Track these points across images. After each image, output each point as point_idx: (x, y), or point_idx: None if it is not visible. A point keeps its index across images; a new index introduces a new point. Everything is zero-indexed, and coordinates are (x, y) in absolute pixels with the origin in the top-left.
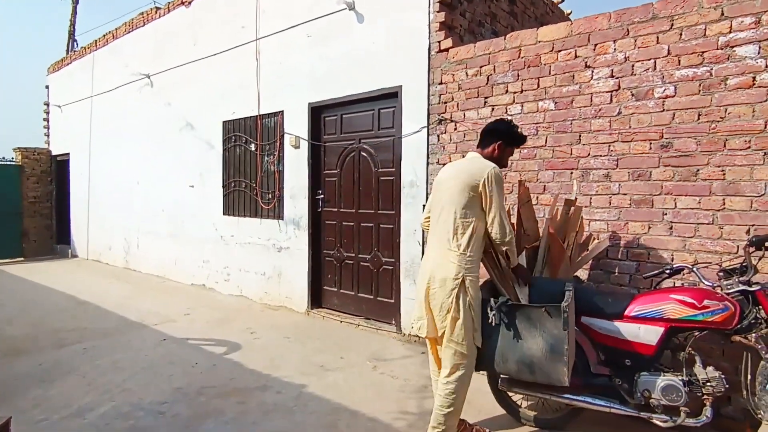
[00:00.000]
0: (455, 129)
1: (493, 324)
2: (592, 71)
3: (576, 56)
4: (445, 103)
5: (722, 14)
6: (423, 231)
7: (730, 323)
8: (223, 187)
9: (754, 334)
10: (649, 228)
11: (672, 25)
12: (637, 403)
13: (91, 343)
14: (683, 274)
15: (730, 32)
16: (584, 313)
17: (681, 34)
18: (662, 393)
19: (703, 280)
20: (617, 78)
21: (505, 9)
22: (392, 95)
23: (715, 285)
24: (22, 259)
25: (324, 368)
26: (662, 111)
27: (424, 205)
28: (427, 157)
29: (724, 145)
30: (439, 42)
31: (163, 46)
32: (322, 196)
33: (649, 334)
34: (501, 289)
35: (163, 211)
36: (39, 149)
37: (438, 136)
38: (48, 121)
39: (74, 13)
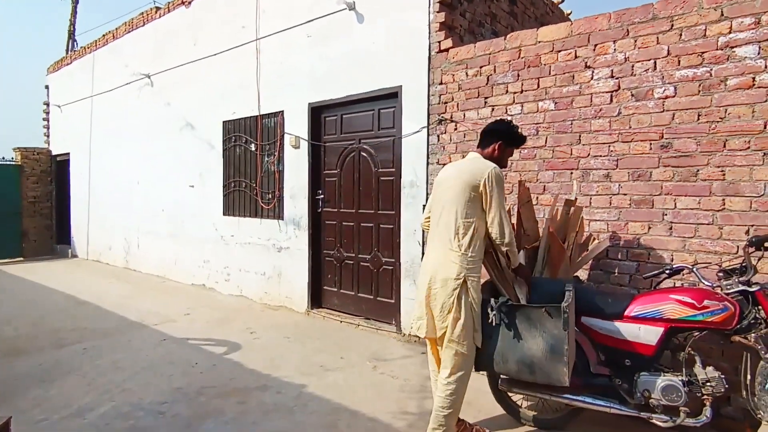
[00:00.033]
0: (455, 129)
1: (494, 324)
2: (592, 71)
3: (576, 56)
4: (445, 103)
5: (722, 15)
6: (423, 231)
7: (730, 323)
8: (223, 187)
9: (753, 335)
10: (649, 228)
11: (672, 25)
12: (637, 403)
13: (91, 343)
14: (683, 275)
15: (729, 33)
16: (584, 313)
17: (681, 35)
18: (662, 393)
19: (703, 281)
20: (617, 78)
21: (505, 9)
22: (392, 95)
23: (714, 285)
24: (21, 259)
25: (324, 368)
26: (662, 111)
27: (424, 206)
28: (427, 157)
29: (724, 146)
30: (439, 42)
31: (163, 46)
32: (322, 196)
33: (648, 335)
34: (501, 290)
35: (163, 211)
36: (39, 149)
37: (438, 136)
38: (48, 121)
39: (74, 12)
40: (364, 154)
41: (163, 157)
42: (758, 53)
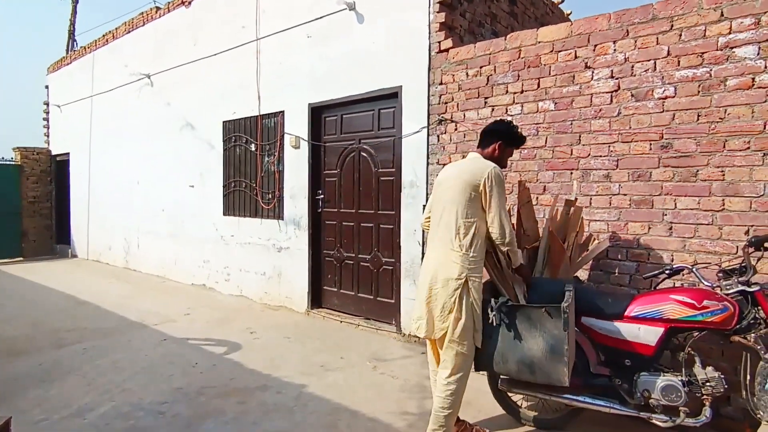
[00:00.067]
0: (455, 129)
1: (494, 324)
2: (592, 72)
3: (576, 57)
4: (446, 103)
5: (722, 15)
6: (423, 231)
7: (730, 323)
8: (223, 187)
9: (753, 335)
10: (649, 228)
11: (672, 26)
12: (636, 403)
13: (91, 343)
14: (683, 275)
15: (729, 33)
16: (584, 313)
17: (681, 35)
18: (662, 393)
19: (703, 281)
20: (617, 79)
21: (505, 9)
22: (392, 95)
23: (714, 285)
24: (21, 259)
25: (324, 368)
26: (662, 112)
27: (424, 206)
28: (427, 158)
29: (724, 146)
30: (439, 42)
31: (163, 46)
32: (322, 196)
33: (648, 335)
34: (501, 290)
35: (164, 211)
36: (38, 149)
37: (438, 136)
38: (48, 121)
39: (74, 12)
40: (364, 154)
41: (163, 157)
42: (758, 54)
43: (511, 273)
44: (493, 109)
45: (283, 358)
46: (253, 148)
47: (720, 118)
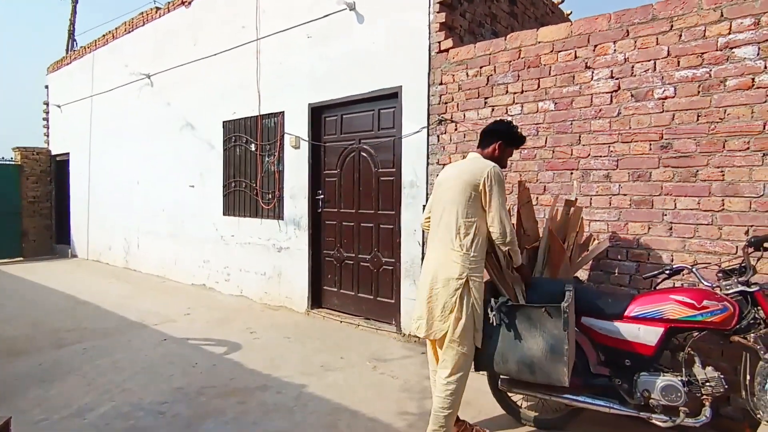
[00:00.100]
0: (455, 129)
1: (494, 324)
2: (592, 72)
3: (576, 57)
4: (446, 103)
5: (722, 15)
6: (423, 231)
7: (729, 324)
8: (223, 187)
9: (752, 335)
10: (649, 228)
11: (671, 26)
12: (636, 403)
13: (91, 343)
14: (683, 275)
15: (729, 33)
16: (584, 313)
17: (680, 36)
18: (662, 393)
19: (703, 281)
20: (617, 79)
21: (506, 10)
22: (392, 95)
23: (714, 285)
24: (21, 259)
25: (324, 368)
26: (662, 112)
27: (424, 206)
28: (427, 158)
29: (724, 146)
30: (439, 42)
31: (163, 46)
32: (322, 196)
33: (648, 335)
34: (501, 290)
35: (164, 211)
36: (38, 149)
37: (438, 136)
38: (47, 121)
39: (74, 12)
40: (364, 154)
41: (163, 157)
42: (758, 54)
43: (510, 273)
44: (493, 109)
45: (283, 358)
46: (253, 148)
47: (720, 119)
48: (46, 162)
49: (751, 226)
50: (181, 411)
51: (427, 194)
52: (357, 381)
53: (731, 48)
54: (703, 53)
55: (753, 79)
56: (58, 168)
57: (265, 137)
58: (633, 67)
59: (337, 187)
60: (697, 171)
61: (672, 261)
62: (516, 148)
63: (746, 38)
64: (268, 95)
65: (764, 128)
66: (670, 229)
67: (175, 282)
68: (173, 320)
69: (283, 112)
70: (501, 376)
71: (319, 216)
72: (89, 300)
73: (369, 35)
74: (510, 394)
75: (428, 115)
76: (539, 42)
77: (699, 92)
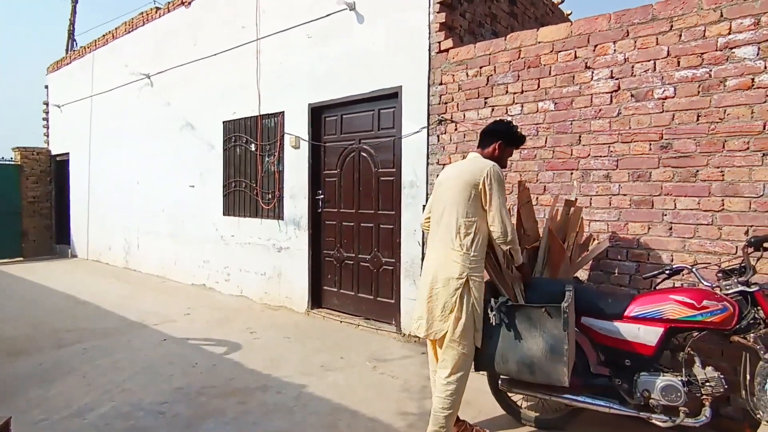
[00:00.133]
0: (455, 129)
1: (494, 324)
2: (592, 72)
3: (576, 57)
4: (446, 103)
5: (721, 15)
6: (423, 231)
7: (729, 324)
8: (223, 187)
9: (752, 335)
10: (649, 228)
11: (671, 26)
12: (636, 403)
13: (91, 343)
14: (683, 275)
15: (729, 33)
16: (584, 313)
17: (680, 36)
18: (662, 393)
19: (702, 281)
20: (617, 79)
21: (505, 10)
22: (392, 95)
23: (714, 285)
24: (21, 259)
25: (324, 368)
26: (662, 112)
27: (424, 206)
28: (427, 158)
29: (723, 146)
30: (439, 42)
31: (163, 46)
32: (322, 196)
33: (648, 335)
34: (501, 290)
35: (164, 211)
36: (38, 149)
37: (438, 136)
38: (47, 121)
39: (74, 12)
40: (364, 155)
41: (163, 157)
42: (757, 54)
43: (510, 273)
44: (493, 110)
45: (283, 358)
46: (253, 148)
47: (720, 119)
48: (46, 162)
49: (751, 226)
50: (181, 411)
51: (427, 194)
52: (357, 381)
53: (731, 48)
54: (703, 53)
55: (753, 79)
56: (58, 168)
57: (265, 137)
58: (633, 67)
59: (337, 187)
60: (697, 171)
61: (672, 261)
62: (516, 147)
63: (746, 38)
64: (268, 95)
65: (764, 128)
66: (670, 229)
67: (175, 282)
68: (173, 320)
69: (283, 112)
70: (501, 376)
71: (319, 216)
72: (89, 300)
73: (369, 35)
74: (510, 394)
75: (428, 115)
76: (539, 42)
77: (699, 92)
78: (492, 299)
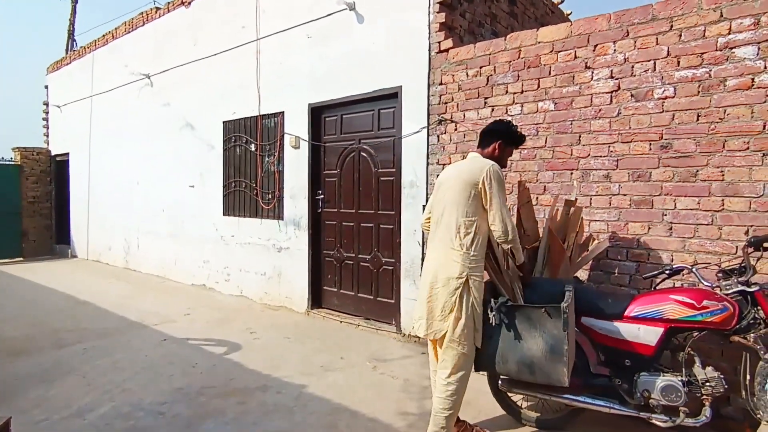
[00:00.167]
0: (455, 129)
1: (494, 324)
2: (592, 72)
3: (576, 57)
4: (446, 103)
5: (721, 15)
6: (423, 232)
7: (729, 324)
8: (223, 187)
9: (752, 335)
10: (649, 228)
11: (671, 26)
12: (636, 404)
13: (91, 344)
14: (683, 275)
15: (729, 33)
16: (584, 313)
17: (680, 36)
18: (662, 393)
19: (703, 281)
20: (617, 79)
21: (505, 10)
22: (392, 95)
23: (714, 285)
24: (21, 259)
25: (324, 368)
26: (662, 112)
27: (424, 206)
28: (427, 158)
29: (723, 146)
30: (439, 42)
31: (163, 46)
32: (322, 196)
33: (648, 335)
34: (500, 290)
35: (163, 211)
36: (38, 149)
37: (438, 136)
38: (47, 121)
39: (74, 12)
40: (364, 155)
41: (163, 157)
42: (757, 54)
43: (509, 273)
44: (493, 109)
45: (283, 359)
46: (253, 148)
47: (720, 119)
48: (46, 162)
49: (751, 226)
50: (181, 411)
51: (427, 194)
52: (357, 381)
53: (731, 48)
54: (702, 53)
55: (753, 79)
56: (58, 168)
57: (265, 137)
58: (633, 67)
59: (337, 187)
60: (697, 171)
61: (672, 261)
62: (516, 147)
63: (746, 38)
64: (268, 95)
65: (764, 128)
66: (670, 229)
67: (175, 282)
68: (173, 320)
69: (283, 112)
70: (501, 377)
71: (319, 216)
72: (89, 300)
73: (369, 35)
74: (510, 395)
75: (428, 115)
76: (539, 42)
77: (699, 92)
78: (492, 299)
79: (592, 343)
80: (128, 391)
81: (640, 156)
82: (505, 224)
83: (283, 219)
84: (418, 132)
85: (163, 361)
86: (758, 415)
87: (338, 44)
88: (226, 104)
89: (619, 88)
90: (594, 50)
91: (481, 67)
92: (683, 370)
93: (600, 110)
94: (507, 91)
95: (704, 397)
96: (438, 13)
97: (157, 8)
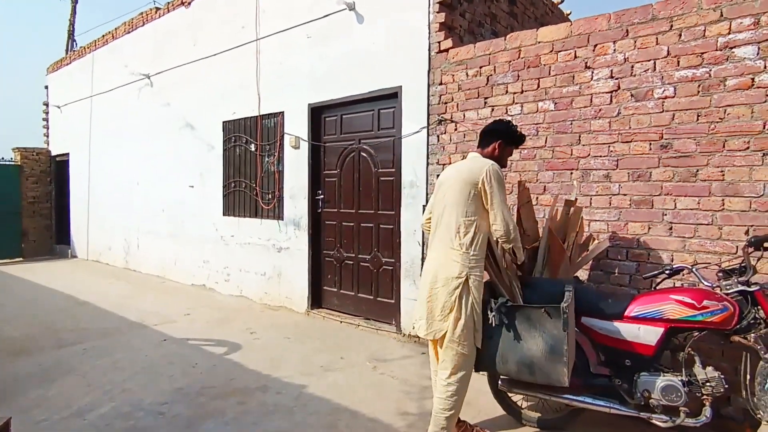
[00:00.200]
0: (455, 129)
1: (494, 325)
2: (592, 72)
3: (576, 57)
4: (445, 103)
5: (721, 15)
6: (423, 232)
7: (729, 323)
8: (223, 187)
9: (753, 335)
10: (649, 228)
11: (671, 26)
12: (636, 404)
13: (91, 344)
14: (683, 275)
15: (729, 33)
16: (584, 313)
17: (680, 35)
18: (662, 393)
19: (703, 281)
20: (617, 79)
21: (505, 9)
22: (392, 95)
23: (714, 285)
24: (21, 259)
25: (324, 368)
26: (662, 112)
27: (424, 206)
28: (427, 158)
29: (724, 146)
30: (439, 42)
31: (163, 46)
32: (322, 196)
33: (648, 335)
34: (500, 290)
35: (163, 211)
36: (38, 149)
37: (438, 136)
38: (47, 121)
39: (73, 12)
40: (364, 155)
41: (163, 157)
42: (757, 54)
43: (509, 273)
44: (492, 109)
45: (283, 359)
46: (253, 149)
47: (720, 118)
48: (46, 162)
49: (751, 225)
50: (181, 411)
51: (427, 194)
52: (357, 381)
53: (731, 48)
54: (702, 53)
55: (753, 79)
56: (58, 168)
57: (265, 137)
58: (633, 67)
59: (337, 187)
60: (697, 171)
61: (672, 261)
62: (516, 147)
63: (746, 38)
64: (268, 95)
65: (764, 128)
66: (670, 229)
67: (175, 282)
68: (173, 320)
69: (282, 112)
70: (501, 377)
71: (318, 216)
72: (89, 300)
73: (369, 35)
74: (510, 395)
75: (428, 115)
76: (539, 42)
77: (699, 92)
78: (492, 300)
79: (592, 343)
80: (128, 391)
81: (640, 156)
82: (506, 223)
83: (283, 219)
84: (418, 132)
85: (163, 361)
86: (758, 415)
87: (338, 44)
88: (226, 104)
89: (619, 87)
90: (594, 50)
91: (481, 67)
92: (683, 370)
93: (600, 110)
94: (507, 91)
95: (704, 397)
96: (438, 13)
97: (157, 8)
